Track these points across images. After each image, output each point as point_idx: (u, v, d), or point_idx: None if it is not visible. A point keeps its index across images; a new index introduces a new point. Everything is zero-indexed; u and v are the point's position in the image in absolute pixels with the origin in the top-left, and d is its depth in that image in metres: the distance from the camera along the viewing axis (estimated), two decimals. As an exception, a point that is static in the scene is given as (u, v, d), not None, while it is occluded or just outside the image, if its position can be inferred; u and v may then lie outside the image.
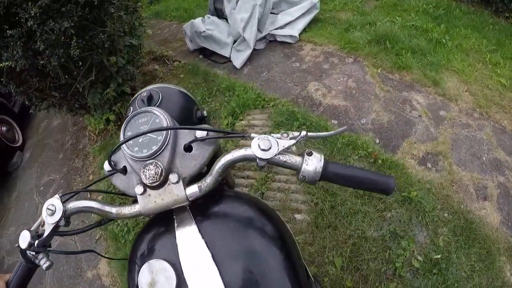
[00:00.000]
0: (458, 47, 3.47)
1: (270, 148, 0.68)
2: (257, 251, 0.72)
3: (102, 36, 2.65)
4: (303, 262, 0.84)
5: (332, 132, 0.81)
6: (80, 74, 2.82)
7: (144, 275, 0.68)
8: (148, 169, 0.72)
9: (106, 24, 2.70)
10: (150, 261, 0.69)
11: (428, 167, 2.47)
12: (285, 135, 0.72)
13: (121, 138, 0.77)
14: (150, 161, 0.74)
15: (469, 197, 2.32)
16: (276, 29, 3.90)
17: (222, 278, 0.65)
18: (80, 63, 2.75)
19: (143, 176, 0.72)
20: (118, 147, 0.73)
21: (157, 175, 0.72)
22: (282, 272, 0.71)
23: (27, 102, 3.08)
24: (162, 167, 0.73)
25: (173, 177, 0.73)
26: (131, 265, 0.77)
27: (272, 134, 0.71)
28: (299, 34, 3.90)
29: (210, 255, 0.68)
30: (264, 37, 3.93)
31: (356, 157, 2.51)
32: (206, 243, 0.70)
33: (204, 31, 3.90)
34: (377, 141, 2.66)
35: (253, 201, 0.85)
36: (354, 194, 2.31)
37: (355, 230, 2.16)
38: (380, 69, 3.29)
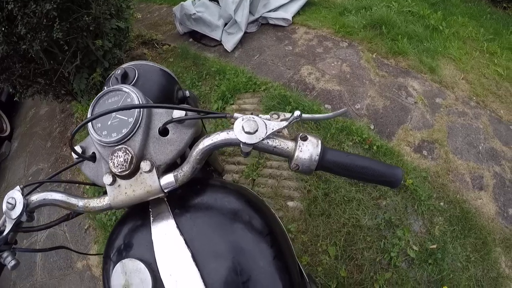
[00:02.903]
0: (455, 34, 3.41)
1: (257, 130, 0.58)
2: (244, 249, 0.63)
3: (87, 19, 2.54)
4: (296, 260, 0.74)
5: (329, 114, 0.70)
6: (65, 59, 2.71)
7: (117, 276, 0.60)
8: (117, 156, 0.64)
9: (91, 6, 2.59)
10: (124, 261, 0.61)
11: (424, 155, 2.41)
12: (275, 116, 0.61)
13: None
14: (119, 146, 0.65)
15: (465, 187, 2.28)
16: (269, 11, 3.78)
17: (203, 280, 0.58)
18: (66, 47, 2.63)
19: (111, 164, 0.64)
20: (78, 131, 0.62)
21: (127, 162, 0.63)
22: (272, 273, 0.62)
23: (11, 90, 2.97)
24: (132, 153, 0.64)
25: (145, 165, 0.64)
26: (105, 262, 0.68)
27: (260, 115, 0.61)
28: (292, 17, 3.78)
29: (190, 254, 0.60)
30: (256, 20, 3.80)
31: (351, 143, 2.43)
32: (185, 240, 0.62)
33: (194, 14, 3.77)
34: (372, 127, 2.58)
35: (239, 191, 0.75)
36: (348, 181, 2.24)
37: (349, 218, 2.09)
38: (375, 54, 3.21)
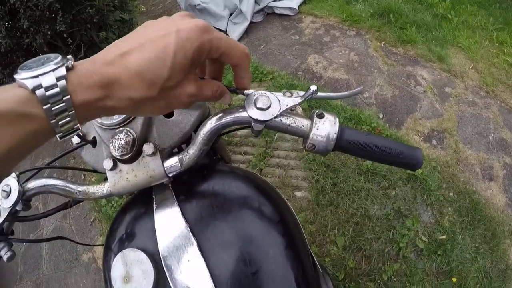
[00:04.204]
0: (464, 23, 3.34)
1: (270, 106, 0.51)
2: (253, 238, 0.59)
3: (90, 11, 2.53)
4: (309, 249, 0.70)
5: (345, 93, 0.65)
6: (69, 52, 2.68)
7: (117, 268, 0.57)
8: (118, 139, 0.60)
9: (94, -3, 2.59)
10: (124, 251, 0.58)
11: (434, 145, 2.37)
12: (288, 94, 0.55)
13: None
14: (121, 129, 0.61)
15: (475, 177, 2.24)
16: (275, 1, 3.72)
17: (210, 272, 0.54)
18: (69, 40, 2.62)
19: (112, 148, 0.60)
20: None
21: (128, 145, 0.60)
22: (283, 263, 0.58)
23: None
24: (134, 135, 0.60)
25: (148, 148, 0.60)
26: (106, 252, 0.66)
27: (272, 92, 0.54)
28: (298, 6, 3.72)
29: (196, 244, 0.57)
30: (262, 10, 3.74)
31: (359, 132, 2.40)
32: (190, 229, 0.59)
33: (199, 4, 3.71)
34: (381, 116, 2.54)
35: (248, 177, 0.71)
36: (357, 170, 2.21)
37: (358, 208, 2.06)
38: (383, 42, 3.15)
